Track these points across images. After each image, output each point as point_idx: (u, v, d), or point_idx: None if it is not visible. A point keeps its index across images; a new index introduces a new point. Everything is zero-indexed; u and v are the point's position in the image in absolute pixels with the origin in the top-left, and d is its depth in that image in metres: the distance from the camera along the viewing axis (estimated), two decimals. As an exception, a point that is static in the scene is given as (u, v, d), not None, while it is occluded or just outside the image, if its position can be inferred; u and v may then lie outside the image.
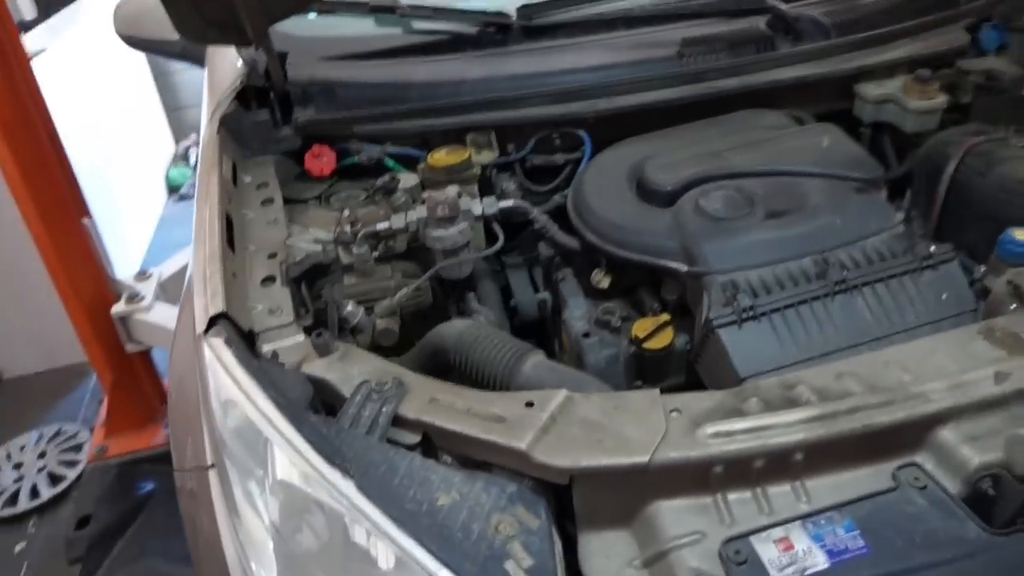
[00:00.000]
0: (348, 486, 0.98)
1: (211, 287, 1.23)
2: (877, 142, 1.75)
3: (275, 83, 1.60)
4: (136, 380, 2.99)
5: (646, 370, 1.36)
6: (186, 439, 1.34)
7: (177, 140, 5.19)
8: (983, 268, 1.36)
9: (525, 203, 1.47)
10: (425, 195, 1.43)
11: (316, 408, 1.12)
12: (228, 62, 1.76)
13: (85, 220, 2.74)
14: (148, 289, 2.86)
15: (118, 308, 2.80)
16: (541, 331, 1.56)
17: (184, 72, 5.02)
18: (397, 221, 1.38)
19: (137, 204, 4.53)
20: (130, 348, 2.89)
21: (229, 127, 1.60)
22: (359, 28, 1.81)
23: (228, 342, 1.14)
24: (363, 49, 1.73)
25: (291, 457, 1.02)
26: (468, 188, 1.50)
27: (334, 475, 0.99)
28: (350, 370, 1.16)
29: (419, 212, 1.39)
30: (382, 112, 1.58)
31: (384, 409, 1.09)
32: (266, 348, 1.21)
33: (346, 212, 1.43)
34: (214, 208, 1.39)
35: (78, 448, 3.09)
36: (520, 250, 1.64)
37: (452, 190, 1.39)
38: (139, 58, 4.79)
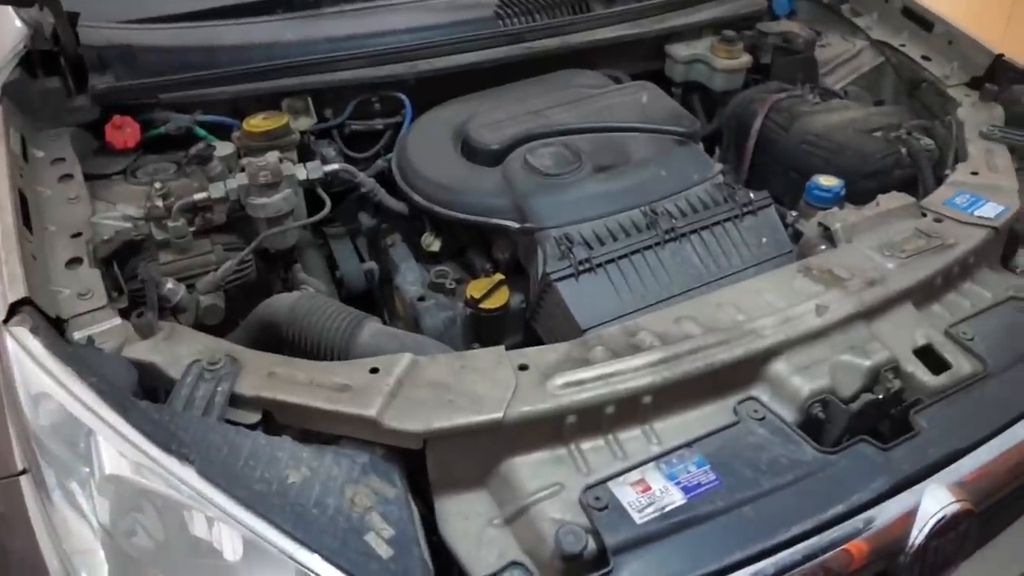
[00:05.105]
0: (188, 472, 0.91)
1: (8, 271, 1.10)
2: (687, 102, 1.83)
3: (66, 47, 1.45)
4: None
5: (483, 331, 1.36)
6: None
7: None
8: (795, 213, 1.45)
9: (351, 167, 1.41)
10: (244, 162, 1.35)
11: (143, 394, 1.03)
12: (5, 25, 1.57)
13: None
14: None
15: None
16: (369, 302, 1.52)
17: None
18: (216, 190, 1.29)
19: None
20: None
21: (14, 96, 1.43)
22: (157, -12, 1.66)
23: (35, 330, 1.03)
24: (163, 11, 1.60)
25: (120, 448, 0.93)
26: (288, 155, 1.42)
27: (171, 462, 0.91)
28: (178, 350, 1.08)
29: (239, 180, 1.30)
30: (190, 78, 1.47)
31: (219, 388, 1.02)
32: (78, 335, 1.10)
33: (157, 185, 1.32)
34: (3, 185, 1.25)
35: None
36: (341, 220, 1.58)
37: (272, 156, 1.32)
38: None
